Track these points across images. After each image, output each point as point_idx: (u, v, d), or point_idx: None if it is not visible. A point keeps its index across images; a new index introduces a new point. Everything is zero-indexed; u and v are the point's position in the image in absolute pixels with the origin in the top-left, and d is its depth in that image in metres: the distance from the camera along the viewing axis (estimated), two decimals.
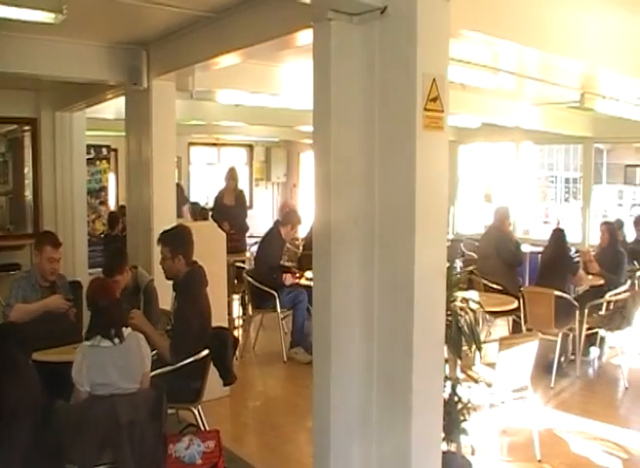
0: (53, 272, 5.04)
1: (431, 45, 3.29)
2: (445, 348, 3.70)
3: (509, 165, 12.52)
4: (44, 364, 4.20)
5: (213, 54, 5.09)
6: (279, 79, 6.76)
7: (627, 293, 7.03)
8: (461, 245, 10.94)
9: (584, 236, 11.22)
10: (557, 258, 7.18)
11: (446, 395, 3.92)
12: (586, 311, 6.85)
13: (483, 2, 3.84)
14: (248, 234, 9.64)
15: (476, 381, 4.77)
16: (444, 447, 3.89)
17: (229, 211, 9.33)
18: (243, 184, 12.71)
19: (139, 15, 5.03)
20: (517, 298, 6.83)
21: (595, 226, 9.98)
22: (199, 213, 10.58)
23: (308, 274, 7.43)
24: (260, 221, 11.82)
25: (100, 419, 3.62)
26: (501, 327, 8.13)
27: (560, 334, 6.62)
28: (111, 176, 12.31)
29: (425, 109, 3.25)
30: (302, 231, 9.46)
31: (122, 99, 6.57)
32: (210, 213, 10.10)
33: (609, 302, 7.25)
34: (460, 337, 4.00)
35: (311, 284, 3.95)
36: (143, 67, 5.92)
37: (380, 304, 3.46)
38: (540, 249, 8.17)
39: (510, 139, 12.00)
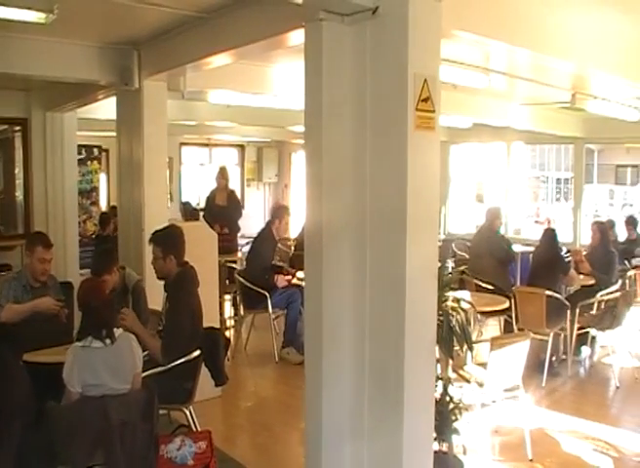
0: (44, 273, 5.02)
1: (423, 45, 3.29)
2: (436, 348, 3.70)
3: (501, 165, 12.55)
4: (35, 365, 4.18)
5: (204, 54, 5.08)
6: (271, 79, 6.75)
7: (618, 293, 7.05)
8: (453, 245, 10.96)
9: (576, 236, 11.27)
10: (548, 258, 7.20)
11: (438, 395, 3.93)
12: (578, 311, 6.87)
13: (474, 2, 3.85)
14: (239, 234, 9.62)
15: (468, 381, 4.78)
16: (436, 446, 3.90)
17: (222, 211, 9.33)
18: (234, 185, 12.72)
19: (130, 15, 5.02)
20: (509, 298, 6.85)
21: (586, 226, 10.02)
22: (190, 213, 10.57)
23: (300, 274, 7.43)
24: (251, 222, 11.82)
25: (92, 420, 3.61)
26: (493, 326, 8.14)
27: (551, 334, 6.63)
28: (102, 177, 12.27)
29: (417, 109, 3.26)
30: (294, 231, 9.46)
31: (113, 100, 6.55)
32: (201, 213, 10.08)
33: (600, 302, 7.28)
34: (451, 337, 4.00)
35: (304, 284, 3.95)
36: (135, 67, 5.90)
37: (372, 304, 3.46)
38: (532, 248, 8.19)
39: (502, 140, 12.04)
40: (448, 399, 4.11)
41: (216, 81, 6.42)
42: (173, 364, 4.38)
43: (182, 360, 4.43)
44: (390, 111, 3.33)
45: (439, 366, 4.03)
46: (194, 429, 4.54)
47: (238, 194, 10.66)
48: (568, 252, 8.48)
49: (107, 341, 3.73)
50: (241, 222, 9.57)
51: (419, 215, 3.32)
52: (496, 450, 5.02)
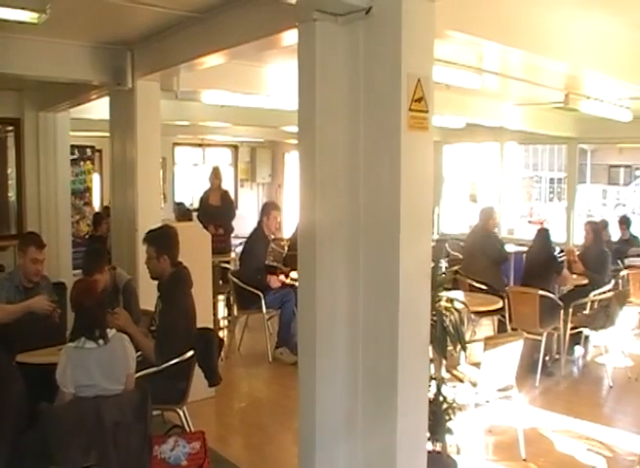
0: (37, 273, 5.00)
1: (416, 45, 3.29)
2: (430, 348, 3.71)
3: (494, 165, 12.57)
4: (28, 365, 4.17)
5: (198, 54, 5.08)
6: (264, 79, 6.75)
7: (611, 293, 7.07)
8: (446, 245, 10.96)
9: (569, 235, 11.30)
10: (542, 258, 7.21)
11: (431, 395, 3.93)
12: (571, 310, 6.89)
13: (468, 3, 3.86)
14: (233, 234, 9.61)
15: (461, 381, 4.78)
16: (429, 446, 3.90)
17: (215, 211, 9.31)
18: (228, 185, 12.70)
19: (123, 14, 5.01)
20: (502, 298, 6.86)
21: (579, 226, 10.05)
22: (184, 213, 10.55)
23: (294, 274, 7.42)
24: (245, 222, 11.79)
25: (85, 421, 3.60)
26: (487, 326, 8.16)
27: (545, 334, 6.65)
28: (96, 177, 12.24)
29: (410, 110, 3.26)
30: (287, 231, 9.45)
31: (106, 100, 6.54)
32: (195, 213, 10.07)
33: (593, 302, 7.30)
34: (445, 337, 4.01)
35: (297, 284, 3.95)
36: (128, 67, 5.90)
37: (366, 304, 3.46)
38: (525, 248, 8.21)
39: (495, 140, 12.06)
40: (441, 399, 4.12)
41: (209, 81, 6.41)
42: (166, 364, 4.38)
43: (176, 360, 4.42)
44: (384, 111, 3.33)
45: (433, 366, 4.04)
46: (188, 429, 4.53)
47: (231, 194, 10.65)
48: (561, 251, 8.50)
49: (100, 342, 3.73)
50: (234, 223, 9.55)
51: (412, 215, 3.32)
52: (489, 450, 5.03)
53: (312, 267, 3.56)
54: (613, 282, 7.67)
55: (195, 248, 5.63)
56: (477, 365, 4.89)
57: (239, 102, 7.44)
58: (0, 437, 3.55)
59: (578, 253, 7.82)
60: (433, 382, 4.03)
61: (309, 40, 3.48)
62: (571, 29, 4.65)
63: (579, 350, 7.45)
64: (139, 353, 4.21)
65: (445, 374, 4.38)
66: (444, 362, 4.28)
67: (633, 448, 4.88)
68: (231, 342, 7.90)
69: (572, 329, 6.98)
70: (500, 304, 6.76)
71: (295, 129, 3.80)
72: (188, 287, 4.75)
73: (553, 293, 6.93)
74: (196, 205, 10.78)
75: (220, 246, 8.53)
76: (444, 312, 4.05)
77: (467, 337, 5.88)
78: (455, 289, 7.19)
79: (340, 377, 3.57)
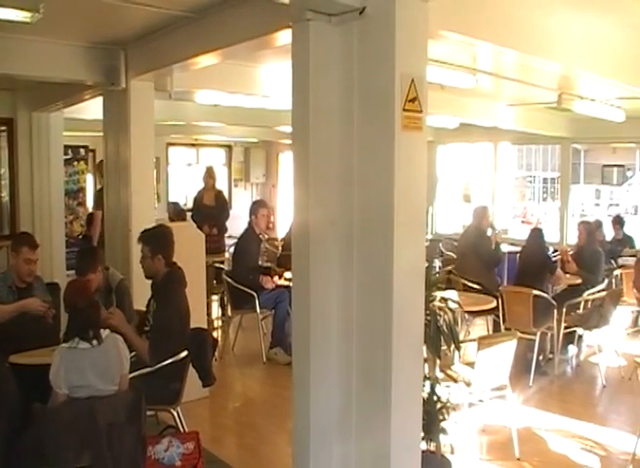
0: (30, 273, 4.99)
1: (410, 45, 3.30)
2: (424, 348, 3.71)
3: (488, 165, 12.59)
4: (21, 366, 4.16)
5: (191, 54, 5.07)
6: (258, 79, 6.74)
7: (605, 292, 7.09)
8: (440, 245, 10.99)
9: (562, 235, 11.33)
10: (535, 258, 7.23)
11: (425, 394, 3.93)
12: (564, 310, 6.91)
13: (461, 3, 3.86)
14: (227, 235, 9.61)
15: (455, 380, 4.79)
16: (423, 446, 3.90)
17: (209, 211, 9.30)
18: (222, 185, 12.67)
19: (116, 14, 4.99)
20: (496, 298, 6.87)
21: (573, 226, 10.08)
22: (178, 213, 10.53)
23: (288, 274, 7.42)
24: (239, 222, 11.78)
25: (79, 422, 3.59)
26: (480, 326, 8.17)
27: (538, 333, 6.66)
28: (89, 177, 12.21)
29: (404, 110, 3.26)
30: (281, 231, 9.44)
31: (100, 100, 6.52)
32: (189, 213, 10.05)
33: (586, 301, 7.33)
34: (438, 337, 4.01)
35: (291, 284, 3.95)
36: (121, 67, 5.88)
37: (360, 304, 3.46)
38: (519, 248, 8.22)
39: (488, 140, 12.09)
40: (435, 398, 4.12)
41: (203, 81, 6.40)
42: (160, 365, 4.37)
43: (170, 360, 4.42)
44: (378, 111, 3.33)
45: (427, 365, 4.04)
46: (182, 430, 4.53)
47: (225, 194, 10.64)
48: (555, 251, 8.52)
49: (94, 342, 3.71)
50: (228, 223, 9.54)
51: (406, 215, 3.32)
52: (483, 450, 5.04)
53: (306, 267, 3.56)
54: (606, 281, 7.70)
55: (189, 248, 5.62)
56: (471, 364, 4.90)
57: (233, 102, 7.43)
58: None
59: (571, 252, 7.84)
60: (427, 382, 4.03)
61: (303, 40, 3.48)
62: (564, 30, 4.66)
63: (572, 349, 7.47)
64: (132, 353, 4.20)
65: (439, 374, 4.39)
66: (438, 361, 4.28)
67: (626, 448, 4.89)
68: (225, 342, 7.89)
69: (565, 328, 7.00)
70: (493, 304, 6.77)
71: (289, 129, 3.79)
72: (182, 287, 4.75)
73: (547, 293, 6.95)
74: (190, 205, 10.76)
75: (214, 246, 8.52)
76: (438, 312, 4.05)
77: (461, 337, 5.89)
78: (449, 288, 7.18)
79: (334, 377, 3.57)
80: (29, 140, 8.37)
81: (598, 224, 9.19)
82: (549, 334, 6.98)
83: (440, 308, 4.08)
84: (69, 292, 3.98)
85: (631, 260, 8.73)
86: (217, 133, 12.40)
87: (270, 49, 4.79)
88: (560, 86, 6.76)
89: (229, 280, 7.50)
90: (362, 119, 3.40)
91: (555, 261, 7.72)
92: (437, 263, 9.66)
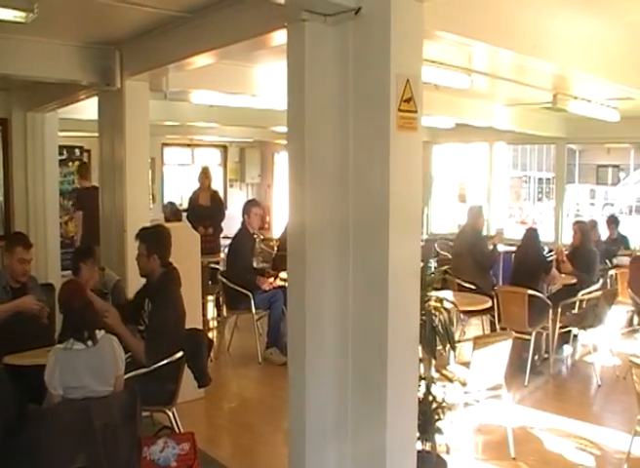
0: (24, 273, 4.98)
1: (405, 46, 3.30)
2: (419, 348, 3.71)
3: (483, 165, 12.61)
4: (16, 367, 4.15)
5: (187, 54, 5.06)
6: (253, 80, 6.74)
7: (600, 292, 7.11)
8: (436, 245, 10.99)
9: (557, 235, 11.35)
10: (530, 258, 7.23)
11: (421, 394, 3.94)
12: (559, 310, 6.93)
13: (456, 4, 3.86)
14: (222, 235, 9.60)
15: (451, 380, 4.79)
16: (419, 446, 3.91)
17: (205, 211, 9.30)
18: (217, 185, 12.66)
19: (111, 14, 4.98)
20: (491, 298, 6.88)
21: (568, 225, 10.10)
22: (174, 213, 10.52)
23: (283, 275, 7.41)
24: (234, 222, 11.77)
25: (74, 423, 3.58)
26: (476, 326, 8.18)
27: (534, 333, 6.67)
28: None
29: (399, 110, 3.26)
30: (277, 231, 9.44)
31: (95, 100, 6.51)
32: (185, 214, 10.04)
33: (581, 301, 7.34)
34: (434, 337, 4.02)
35: (286, 284, 3.95)
36: (117, 67, 5.86)
37: (355, 304, 3.46)
38: (514, 248, 8.23)
39: (484, 140, 12.10)
40: (431, 398, 4.12)
41: (198, 81, 6.39)
42: (156, 365, 4.37)
43: (165, 361, 4.41)
44: (373, 111, 3.34)
45: (422, 365, 4.04)
46: (177, 431, 4.52)
47: (221, 195, 10.63)
48: (550, 251, 8.53)
49: (89, 343, 3.70)
50: (224, 223, 9.54)
51: (401, 215, 3.32)
52: (479, 449, 5.04)
53: (302, 267, 3.56)
54: (601, 281, 7.71)
55: (184, 248, 5.61)
56: (466, 364, 4.90)
57: (228, 102, 7.43)
58: None
59: (566, 252, 7.85)
60: (423, 382, 4.04)
61: (298, 40, 3.49)
62: (559, 30, 4.67)
63: (567, 349, 7.48)
64: (128, 354, 4.20)
65: (434, 374, 4.39)
66: (433, 361, 4.29)
67: (621, 447, 4.90)
68: (221, 343, 7.88)
69: (560, 328, 7.02)
70: (489, 304, 6.78)
71: (284, 129, 3.79)
72: (178, 287, 4.75)
73: (542, 293, 6.96)
74: (185, 205, 10.75)
75: (210, 246, 8.52)
76: (433, 312, 4.06)
77: (457, 337, 5.90)
78: (444, 288, 7.21)
79: (329, 377, 3.57)
80: (24, 141, 8.35)
81: (593, 224, 9.20)
82: (544, 334, 6.99)
83: (435, 308, 4.09)
84: (64, 292, 3.97)
85: (626, 260, 8.76)
86: (212, 133, 12.38)
87: (266, 49, 4.79)
88: (555, 86, 6.77)
89: (225, 280, 7.49)
90: (357, 119, 3.40)
91: (550, 261, 7.73)
92: (432, 263, 9.65)
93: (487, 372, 4.86)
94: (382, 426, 3.33)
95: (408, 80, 3.29)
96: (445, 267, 7.88)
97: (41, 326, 4.84)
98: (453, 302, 6.00)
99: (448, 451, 4.52)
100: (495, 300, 6.90)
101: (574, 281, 7.45)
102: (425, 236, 11.91)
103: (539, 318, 6.74)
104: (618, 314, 7.96)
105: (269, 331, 7.42)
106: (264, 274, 7.87)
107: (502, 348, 4.84)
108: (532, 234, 7.57)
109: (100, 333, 3.80)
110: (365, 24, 3.32)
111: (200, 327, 5.45)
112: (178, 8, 4.74)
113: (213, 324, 8.94)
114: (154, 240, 4.74)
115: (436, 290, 4.45)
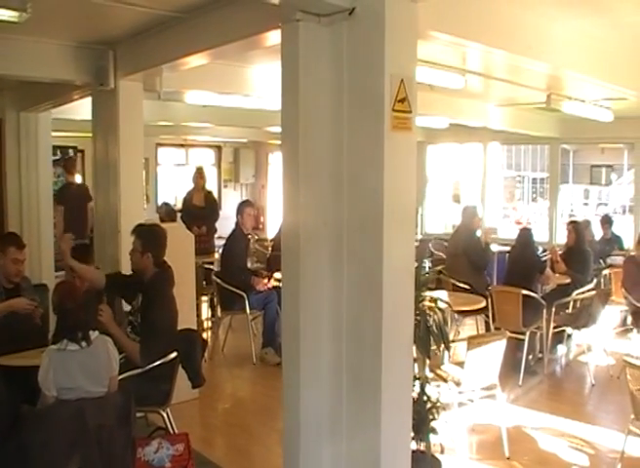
0: (17, 274, 4.96)
1: (399, 46, 3.30)
2: (414, 348, 3.71)
3: (477, 165, 12.63)
4: (10, 368, 4.13)
5: (181, 54, 5.05)
6: (248, 80, 6.74)
7: (593, 292, 7.12)
8: (430, 245, 11.00)
9: (551, 235, 11.37)
10: (524, 257, 7.25)
11: (415, 394, 3.94)
12: (553, 309, 6.93)
13: (451, 4, 3.87)
14: (216, 235, 9.59)
15: (445, 380, 4.80)
16: (413, 446, 3.91)
17: (199, 211, 9.29)
18: (211, 186, 12.66)
19: (105, 14, 4.98)
20: (485, 298, 6.89)
21: (562, 225, 10.12)
22: (168, 214, 10.49)
23: (278, 275, 7.41)
24: (229, 223, 11.76)
25: (68, 424, 3.57)
26: (470, 326, 8.19)
27: (528, 333, 6.68)
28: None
29: (393, 110, 3.27)
30: (271, 232, 9.43)
31: (89, 100, 6.49)
32: (179, 214, 10.02)
33: (575, 301, 7.36)
34: (428, 337, 4.02)
35: (281, 284, 3.95)
36: (110, 67, 5.85)
37: (349, 304, 3.46)
38: (508, 248, 8.25)
39: (478, 140, 12.12)
40: (425, 398, 4.13)
41: (192, 81, 6.38)
42: (150, 366, 4.36)
43: (159, 362, 4.41)
44: (367, 112, 3.34)
45: (416, 365, 4.04)
46: (171, 431, 4.52)
47: (215, 195, 10.62)
48: (544, 251, 8.55)
49: (83, 344, 3.69)
50: (218, 223, 9.53)
51: (395, 215, 3.32)
52: (473, 449, 5.05)
53: (296, 267, 3.56)
54: (595, 281, 7.73)
55: (178, 248, 5.60)
56: (461, 364, 4.91)
57: (222, 103, 7.43)
58: None
59: (560, 252, 7.87)
60: (417, 382, 4.04)
61: (292, 40, 3.48)
62: (553, 30, 4.68)
63: (561, 349, 7.49)
64: (122, 355, 4.19)
65: (429, 374, 4.40)
66: (428, 361, 4.28)
67: (615, 446, 4.91)
68: (215, 343, 7.88)
69: (554, 328, 7.03)
70: (483, 304, 6.79)
71: (278, 129, 3.79)
72: (171, 287, 4.74)
73: (536, 293, 6.97)
74: (179, 205, 10.74)
75: (204, 246, 8.52)
76: (428, 312, 4.06)
77: (451, 337, 5.90)
78: (438, 288, 7.22)
79: (324, 377, 3.57)
80: (17, 141, 8.31)
81: (587, 224, 9.22)
82: (539, 334, 7.00)
83: (430, 308, 4.09)
84: (58, 293, 3.98)
85: (620, 260, 8.77)
86: (206, 133, 12.38)
87: (260, 49, 4.79)
88: (549, 86, 6.79)
89: (219, 281, 7.48)
90: (351, 119, 3.40)
91: (544, 261, 7.75)
92: (427, 263, 9.67)
93: (481, 372, 4.86)
94: (377, 426, 3.33)
95: (402, 80, 3.29)
96: (439, 267, 7.91)
97: (34, 326, 4.83)
98: (447, 302, 6.00)
99: (442, 451, 4.52)
100: (489, 300, 6.91)
101: (568, 281, 7.47)
102: (420, 236, 11.91)
103: (533, 318, 6.75)
104: (611, 314, 7.97)
105: (264, 331, 7.41)
106: (259, 274, 7.87)
107: (497, 348, 4.85)
108: (526, 234, 7.58)
109: (93, 334, 3.79)
110: (359, 25, 3.32)
111: (194, 327, 5.44)
112: (172, 8, 4.73)
113: (207, 324, 8.93)
114: (150, 238, 4.74)
115: (430, 290, 4.45)
